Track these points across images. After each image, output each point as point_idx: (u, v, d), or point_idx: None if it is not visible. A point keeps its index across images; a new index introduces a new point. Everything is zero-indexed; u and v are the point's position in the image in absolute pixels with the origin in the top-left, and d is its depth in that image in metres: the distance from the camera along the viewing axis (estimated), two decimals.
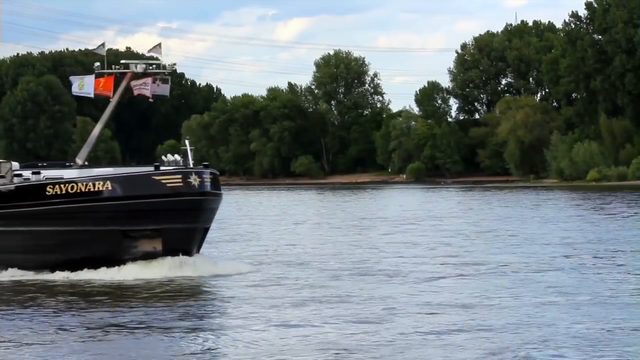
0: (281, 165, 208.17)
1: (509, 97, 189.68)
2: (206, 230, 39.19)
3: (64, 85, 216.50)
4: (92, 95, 41.27)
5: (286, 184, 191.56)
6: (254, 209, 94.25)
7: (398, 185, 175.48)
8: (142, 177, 38.20)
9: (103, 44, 40.97)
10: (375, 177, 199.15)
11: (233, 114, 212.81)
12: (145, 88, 39.90)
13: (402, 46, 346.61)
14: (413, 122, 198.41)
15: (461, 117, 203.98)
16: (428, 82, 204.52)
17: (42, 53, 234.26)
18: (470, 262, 41.60)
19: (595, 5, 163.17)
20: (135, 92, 40.32)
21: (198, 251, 39.02)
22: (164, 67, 41.21)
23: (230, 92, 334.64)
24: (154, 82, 40.25)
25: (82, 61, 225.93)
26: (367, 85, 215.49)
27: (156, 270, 37.52)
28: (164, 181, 37.52)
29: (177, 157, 39.96)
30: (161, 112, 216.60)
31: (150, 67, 40.66)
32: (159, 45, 39.95)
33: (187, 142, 38.89)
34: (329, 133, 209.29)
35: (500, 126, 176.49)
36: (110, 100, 40.71)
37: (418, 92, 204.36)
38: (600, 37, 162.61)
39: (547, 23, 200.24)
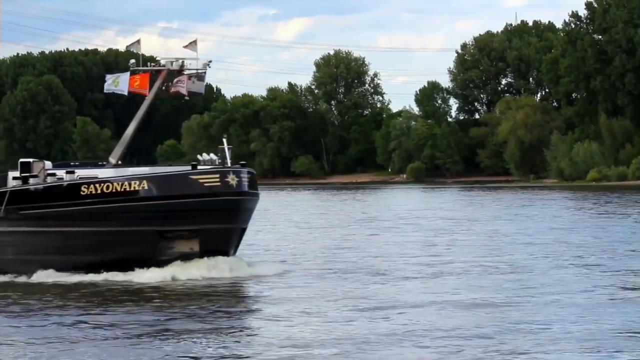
0: (281, 165, 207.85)
1: (509, 97, 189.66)
2: (243, 230, 38.59)
3: (64, 85, 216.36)
4: (125, 93, 40.79)
5: (286, 184, 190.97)
6: (261, 209, 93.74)
7: (398, 185, 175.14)
8: (179, 176, 37.51)
9: (138, 41, 40.50)
10: (375, 177, 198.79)
11: (233, 114, 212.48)
12: (181, 86, 39.47)
13: (403, 46, 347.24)
14: (413, 122, 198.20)
15: (461, 117, 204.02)
16: (428, 82, 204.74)
17: (42, 53, 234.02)
18: (464, 261, 41.46)
19: (595, 5, 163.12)
20: (171, 90, 39.85)
21: (235, 252, 38.47)
22: (181, 64, 40.66)
23: (230, 92, 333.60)
24: (189, 79, 39.84)
25: (82, 61, 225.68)
26: (367, 85, 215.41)
27: (193, 272, 36.99)
28: (201, 181, 36.89)
29: (214, 156, 39.29)
30: (161, 112, 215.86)
31: (186, 65, 40.17)
32: (195, 42, 39.43)
33: (224, 140, 38.29)
34: (329, 133, 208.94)
35: (500, 126, 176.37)
36: (146, 98, 40.20)
37: (418, 92, 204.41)
38: (600, 37, 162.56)
39: (547, 23, 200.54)
